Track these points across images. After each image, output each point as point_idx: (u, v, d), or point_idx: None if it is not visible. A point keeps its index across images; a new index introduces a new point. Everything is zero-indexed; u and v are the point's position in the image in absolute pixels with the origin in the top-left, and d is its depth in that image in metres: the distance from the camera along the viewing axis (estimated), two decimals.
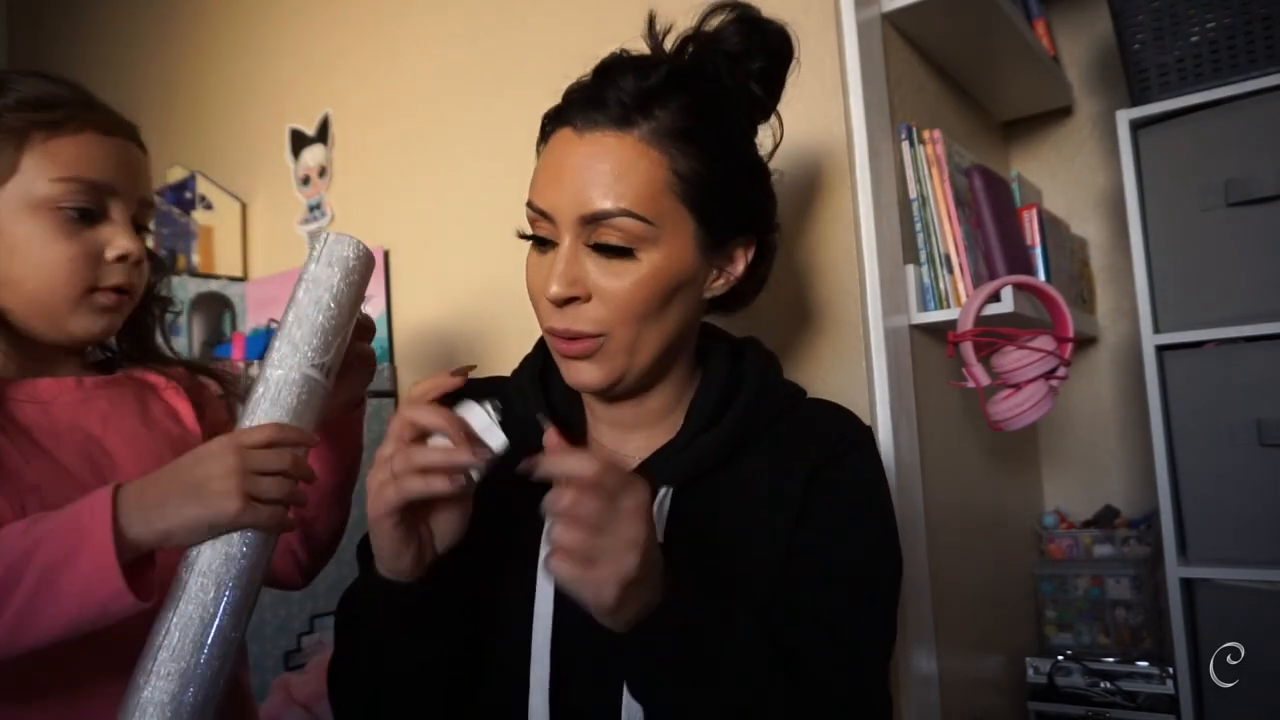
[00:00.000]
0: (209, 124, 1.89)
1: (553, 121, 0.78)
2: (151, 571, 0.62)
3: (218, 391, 0.90)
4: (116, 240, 0.74)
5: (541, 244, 0.75)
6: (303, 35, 1.75)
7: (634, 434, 0.81)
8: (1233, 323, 1.20)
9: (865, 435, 0.82)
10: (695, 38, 0.78)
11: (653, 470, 0.76)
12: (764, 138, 0.85)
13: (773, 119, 0.86)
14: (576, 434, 0.82)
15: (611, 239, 0.71)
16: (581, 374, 0.75)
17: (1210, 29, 1.24)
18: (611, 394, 0.78)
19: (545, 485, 0.74)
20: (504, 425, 0.70)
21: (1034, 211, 1.41)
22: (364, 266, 0.74)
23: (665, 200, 0.72)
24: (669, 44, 0.79)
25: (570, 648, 0.72)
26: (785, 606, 0.73)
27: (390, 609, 0.71)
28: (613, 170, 0.71)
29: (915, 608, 1.08)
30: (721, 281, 0.79)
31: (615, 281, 0.71)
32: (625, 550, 0.58)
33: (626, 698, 0.69)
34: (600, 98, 0.73)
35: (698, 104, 0.74)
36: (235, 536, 0.61)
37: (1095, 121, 1.73)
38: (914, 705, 1.05)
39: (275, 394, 0.66)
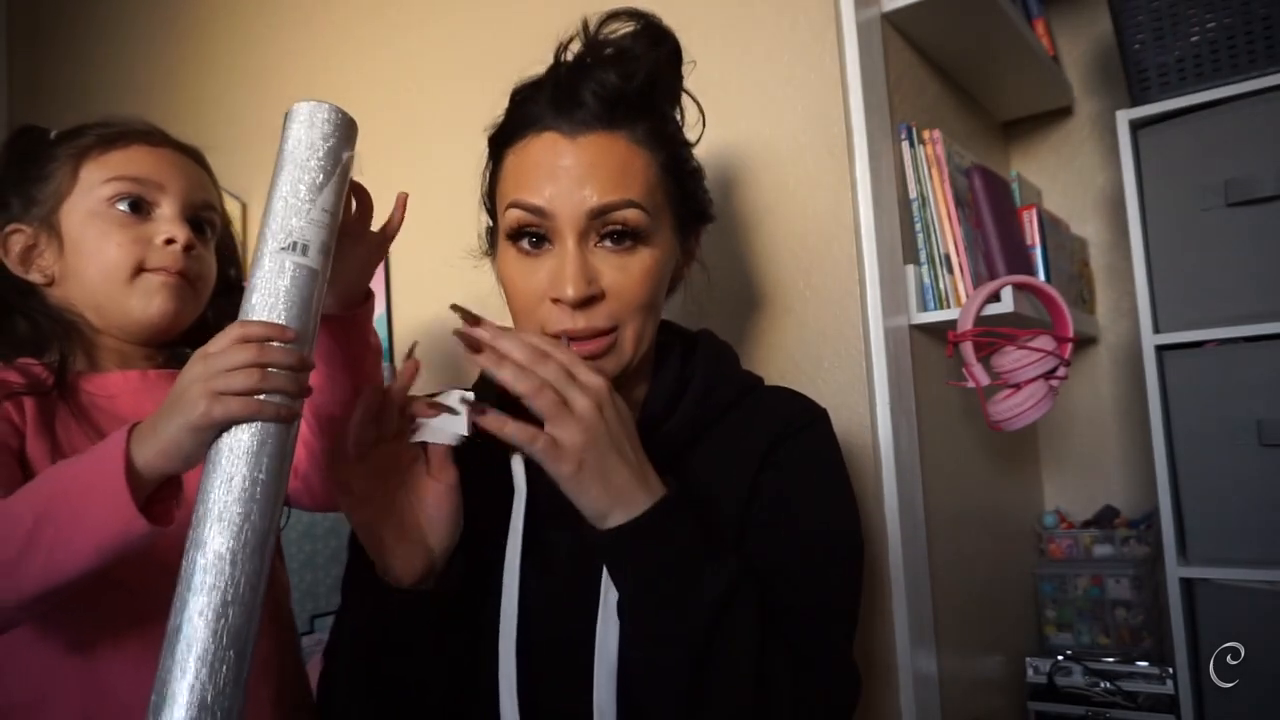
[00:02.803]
0: (209, 124, 1.89)
1: (524, 128, 0.78)
2: (174, 498, 0.64)
3: None
4: (164, 227, 0.82)
5: (532, 244, 0.75)
6: (303, 36, 1.75)
7: None
8: (1233, 323, 1.20)
9: (818, 415, 0.83)
10: (607, 39, 0.78)
11: None
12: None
13: (696, 113, 0.87)
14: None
15: (619, 230, 0.73)
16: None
17: (1210, 29, 1.24)
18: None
19: (506, 490, 0.75)
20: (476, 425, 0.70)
21: (1034, 211, 1.41)
22: (329, 128, 0.69)
23: (657, 193, 0.76)
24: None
25: (539, 646, 0.73)
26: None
27: (404, 619, 0.72)
28: (614, 167, 0.73)
29: (915, 608, 1.08)
30: (684, 270, 0.84)
31: (625, 275, 0.74)
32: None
33: (596, 697, 0.69)
34: (579, 99, 0.74)
35: (661, 105, 0.79)
36: (242, 433, 0.59)
37: (1095, 121, 1.73)
38: (914, 705, 1.04)
39: (254, 288, 0.63)
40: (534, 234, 0.74)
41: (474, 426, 0.69)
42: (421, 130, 1.53)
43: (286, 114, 0.69)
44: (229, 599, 0.55)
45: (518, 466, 0.76)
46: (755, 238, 1.16)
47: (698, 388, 0.80)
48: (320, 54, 1.71)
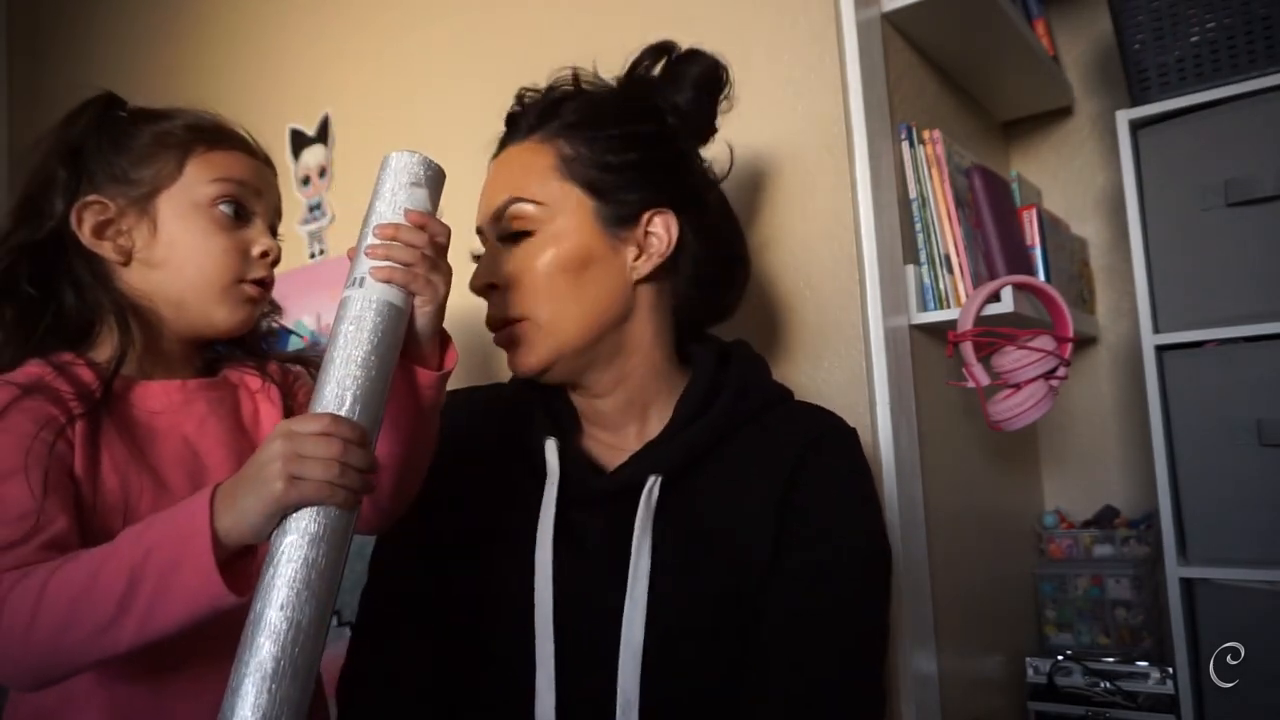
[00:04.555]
0: None
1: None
2: (250, 564, 0.65)
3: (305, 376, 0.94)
4: (261, 239, 0.84)
5: (478, 257, 0.85)
6: (303, 35, 1.75)
7: (624, 430, 0.85)
8: (1233, 323, 1.20)
9: (847, 432, 0.85)
10: (631, 76, 0.87)
11: (641, 460, 0.79)
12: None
13: (721, 148, 0.92)
14: (569, 436, 0.85)
15: (512, 227, 0.79)
16: (517, 360, 0.81)
17: (1210, 29, 1.24)
18: (554, 377, 0.82)
19: (539, 474, 0.78)
20: (501, 421, 0.72)
21: (1034, 211, 1.41)
22: (402, 174, 0.72)
23: (551, 181, 0.79)
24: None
25: (568, 628, 0.75)
26: (774, 610, 0.76)
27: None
28: (509, 171, 0.81)
29: (915, 608, 1.08)
30: (643, 259, 0.82)
31: (522, 264, 0.79)
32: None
33: (621, 673, 0.72)
34: (514, 116, 0.84)
35: (592, 104, 0.83)
36: (306, 517, 0.61)
37: (1095, 121, 1.73)
38: (914, 705, 1.05)
39: (340, 319, 0.67)
40: (479, 254, 0.84)
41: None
42: (425, 130, 1.53)
43: (381, 163, 0.74)
44: (286, 672, 0.58)
45: (550, 452, 0.80)
46: (755, 238, 1.16)
47: (730, 392, 0.82)
48: (321, 54, 1.71)
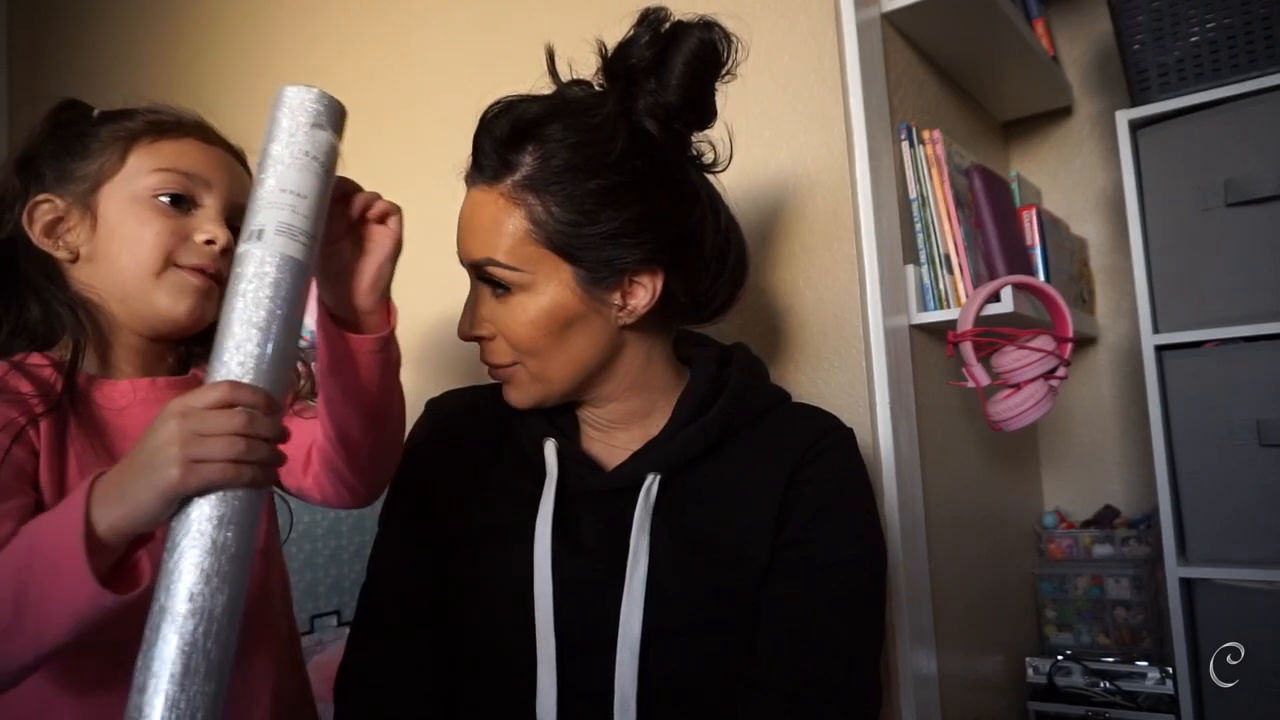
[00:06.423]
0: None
1: None
2: (142, 559, 0.61)
3: None
4: (205, 226, 0.80)
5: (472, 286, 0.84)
6: (303, 35, 1.75)
7: (622, 431, 0.85)
8: (1233, 323, 1.20)
9: (844, 433, 0.85)
10: (606, 68, 0.81)
11: (640, 459, 0.80)
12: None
13: (719, 137, 0.86)
14: (569, 435, 0.86)
15: (493, 277, 0.77)
16: (509, 395, 0.82)
17: (1210, 29, 1.24)
18: (549, 405, 0.83)
19: (539, 470, 0.78)
20: (501, 421, 0.73)
21: (1034, 211, 1.41)
22: (310, 111, 0.65)
23: (528, 247, 0.76)
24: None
25: (567, 624, 0.76)
26: (773, 609, 0.77)
27: None
28: (483, 223, 0.77)
29: (915, 608, 1.08)
30: (627, 312, 0.79)
31: (508, 319, 0.78)
32: None
33: (619, 668, 0.73)
34: (478, 149, 0.79)
35: (560, 152, 0.75)
36: (207, 502, 0.56)
37: (1095, 122, 1.73)
38: (914, 705, 1.04)
39: (237, 278, 0.60)
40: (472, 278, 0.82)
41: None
42: (426, 130, 1.53)
43: (275, 98, 0.66)
44: (198, 668, 0.53)
45: (549, 452, 0.81)
46: (755, 237, 1.16)
47: (733, 392, 0.83)
48: (321, 53, 1.71)
